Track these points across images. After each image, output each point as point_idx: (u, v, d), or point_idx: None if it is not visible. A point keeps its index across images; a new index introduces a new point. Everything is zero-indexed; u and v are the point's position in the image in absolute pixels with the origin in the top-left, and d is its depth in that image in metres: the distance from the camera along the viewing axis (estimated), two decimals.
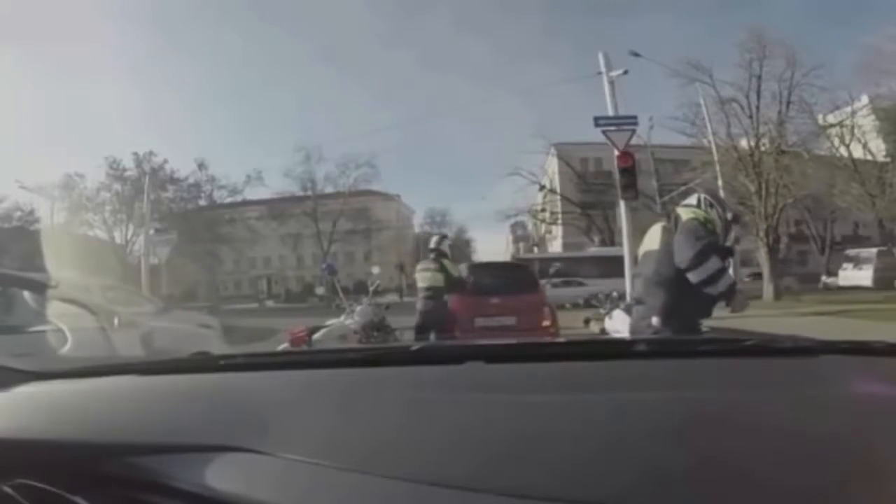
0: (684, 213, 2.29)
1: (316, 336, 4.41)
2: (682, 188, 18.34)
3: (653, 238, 2.36)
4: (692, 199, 2.40)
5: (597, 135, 8.87)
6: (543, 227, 32.33)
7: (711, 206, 2.31)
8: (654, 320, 2.20)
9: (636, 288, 2.50)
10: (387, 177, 59.14)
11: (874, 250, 19.94)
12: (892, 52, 15.67)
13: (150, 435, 0.63)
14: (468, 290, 6.25)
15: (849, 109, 17.26)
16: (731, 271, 2.41)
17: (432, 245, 5.20)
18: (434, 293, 4.84)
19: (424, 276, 4.94)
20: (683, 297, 2.15)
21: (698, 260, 2.07)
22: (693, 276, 2.09)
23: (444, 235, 5.69)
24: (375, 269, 7.47)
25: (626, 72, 10.22)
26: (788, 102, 16.96)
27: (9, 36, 42.74)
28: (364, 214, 32.36)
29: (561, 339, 2.26)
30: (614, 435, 0.54)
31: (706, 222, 2.24)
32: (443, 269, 4.91)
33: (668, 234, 2.27)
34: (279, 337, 6.25)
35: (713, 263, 2.08)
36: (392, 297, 13.28)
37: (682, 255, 2.11)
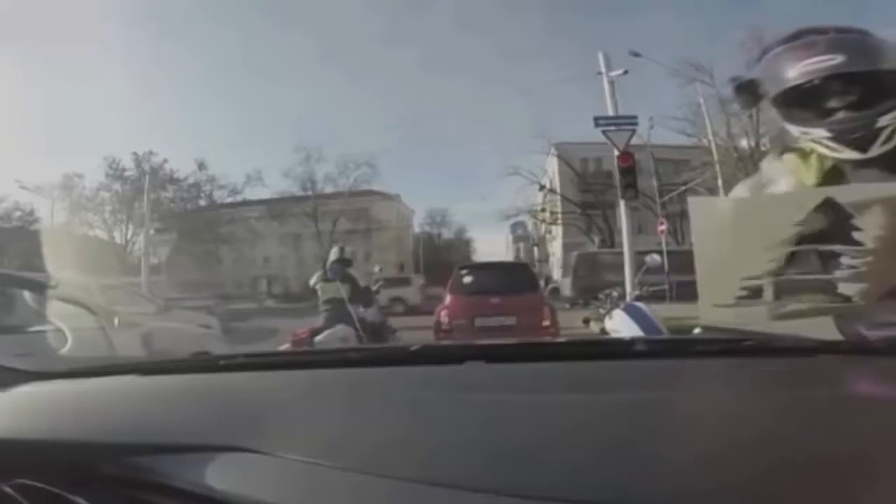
0: None
1: (318, 338, 4.41)
2: (682, 188, 18.35)
3: None
4: None
5: (597, 135, 8.86)
6: (543, 227, 32.39)
7: None
8: None
9: None
10: (387, 177, 58.87)
11: (575, 254, 18.01)
12: None
13: (150, 435, 0.63)
14: (467, 290, 6.25)
15: None
16: None
17: (334, 257, 5.09)
18: (335, 305, 4.75)
19: (328, 286, 4.83)
20: None
21: None
22: None
23: (342, 247, 5.40)
24: (377, 268, 7.42)
25: (626, 72, 10.23)
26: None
27: (9, 36, 42.73)
28: (364, 214, 32.36)
29: (561, 339, 2.26)
30: (615, 435, 0.54)
31: None
32: (346, 279, 4.83)
33: None
34: (279, 338, 6.25)
35: None
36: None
37: None
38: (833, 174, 1.03)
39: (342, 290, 4.71)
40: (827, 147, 1.00)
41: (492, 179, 63.31)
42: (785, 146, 1.13)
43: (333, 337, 4.42)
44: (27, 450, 0.64)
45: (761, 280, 0.85)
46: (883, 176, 0.96)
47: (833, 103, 0.97)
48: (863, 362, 0.76)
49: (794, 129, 1.06)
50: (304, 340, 4.45)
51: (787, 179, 1.09)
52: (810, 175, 1.06)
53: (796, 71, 0.98)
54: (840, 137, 0.97)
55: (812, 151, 1.06)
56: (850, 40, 0.98)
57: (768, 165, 1.15)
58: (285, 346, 4.42)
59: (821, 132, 0.99)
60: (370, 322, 4.96)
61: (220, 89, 51.13)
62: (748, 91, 1.13)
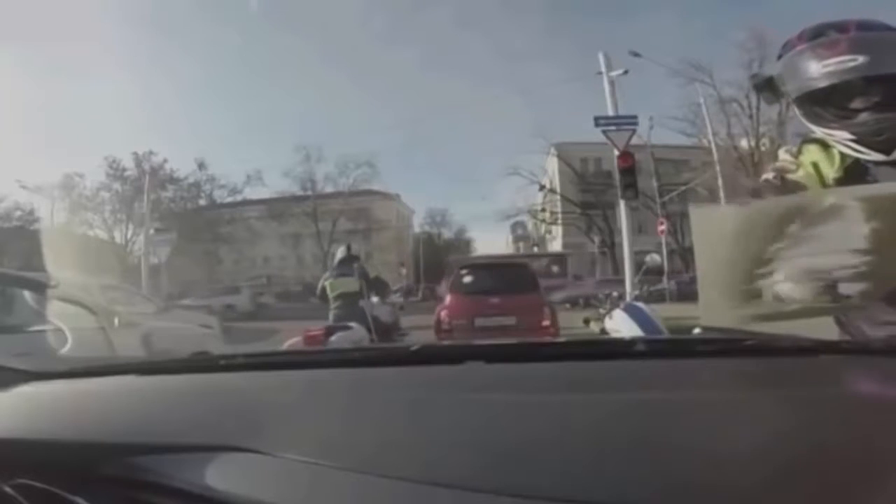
0: None
1: (332, 338, 4.36)
2: (683, 188, 18.36)
3: None
4: None
5: (597, 135, 8.88)
6: (543, 227, 32.42)
7: None
8: None
9: None
10: (387, 177, 58.91)
11: (452, 259, 16.98)
12: None
13: (150, 435, 0.63)
14: (467, 289, 6.26)
15: None
16: None
17: (342, 255, 5.22)
18: (347, 301, 4.82)
19: (338, 282, 4.93)
20: None
21: None
22: None
23: (348, 245, 5.60)
24: (403, 271, 7.45)
25: (626, 72, 10.26)
26: (789, 102, 16.98)
27: (9, 36, 42.79)
28: (364, 214, 32.38)
29: (561, 339, 2.26)
30: (614, 435, 0.54)
31: None
32: (355, 272, 4.94)
33: None
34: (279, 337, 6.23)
35: None
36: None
37: None
38: (855, 168, 1.00)
39: (353, 285, 4.76)
40: (851, 149, 0.97)
41: (492, 179, 63.70)
42: (805, 136, 1.10)
43: (347, 339, 4.39)
44: (27, 450, 0.64)
45: (761, 281, 0.85)
46: None
47: (856, 104, 0.95)
48: (863, 362, 0.76)
49: (817, 130, 1.03)
50: (318, 339, 4.39)
51: (807, 170, 1.05)
52: (832, 168, 1.02)
53: (817, 72, 0.95)
54: (863, 140, 0.95)
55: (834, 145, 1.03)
56: (872, 39, 0.94)
57: (786, 156, 1.12)
58: (293, 341, 4.37)
59: (844, 134, 0.97)
60: (383, 322, 4.94)
61: (220, 89, 51.42)
62: (769, 89, 1.11)
